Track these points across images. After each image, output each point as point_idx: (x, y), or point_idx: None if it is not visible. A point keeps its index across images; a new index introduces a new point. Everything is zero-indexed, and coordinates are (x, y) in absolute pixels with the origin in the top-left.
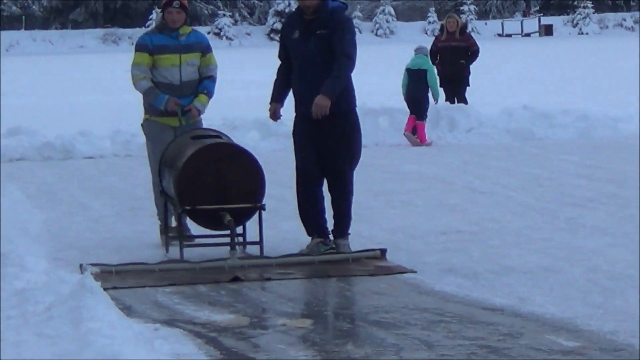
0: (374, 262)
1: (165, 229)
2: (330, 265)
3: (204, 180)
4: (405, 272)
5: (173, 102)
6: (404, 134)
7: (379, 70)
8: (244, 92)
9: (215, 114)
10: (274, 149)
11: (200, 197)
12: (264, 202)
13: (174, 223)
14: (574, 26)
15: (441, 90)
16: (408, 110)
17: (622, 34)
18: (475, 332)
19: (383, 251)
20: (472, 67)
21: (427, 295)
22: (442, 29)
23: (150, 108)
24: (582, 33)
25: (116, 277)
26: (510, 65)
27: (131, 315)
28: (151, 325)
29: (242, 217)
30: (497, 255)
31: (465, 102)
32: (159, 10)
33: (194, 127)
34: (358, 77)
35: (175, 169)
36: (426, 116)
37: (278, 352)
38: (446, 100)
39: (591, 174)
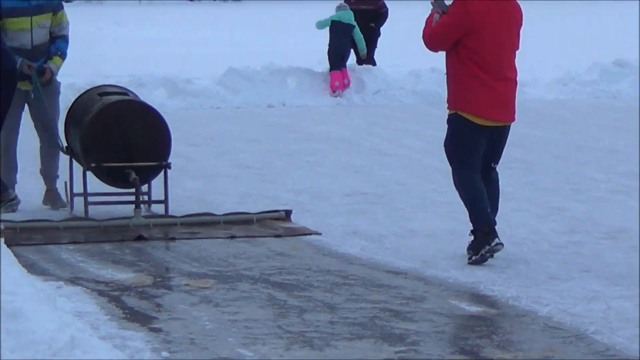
0: (279, 223)
1: (70, 185)
2: (235, 226)
3: (109, 138)
4: (310, 234)
5: (26, 65)
6: (334, 85)
7: (287, 30)
8: (152, 49)
9: (122, 71)
10: (180, 107)
11: (106, 155)
12: (169, 161)
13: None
14: None
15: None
16: (329, 68)
17: None
18: (378, 295)
19: (288, 212)
20: (381, 29)
21: (331, 257)
22: None
23: None
24: None
25: (20, 233)
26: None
27: (34, 273)
28: (54, 282)
29: (147, 175)
30: (402, 218)
31: (374, 63)
32: None
33: (51, 90)
34: (267, 37)
35: (81, 126)
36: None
37: (180, 311)
38: (356, 62)
39: None
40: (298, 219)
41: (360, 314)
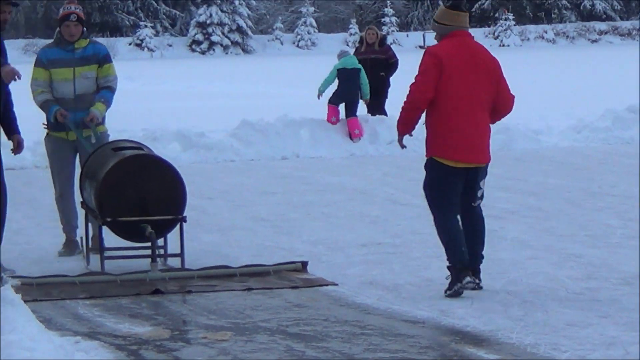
0: (295, 274)
1: (86, 241)
2: (252, 278)
3: (124, 192)
4: (327, 285)
5: (60, 113)
6: (331, 120)
7: (300, 82)
8: (165, 103)
9: (136, 125)
10: (194, 160)
11: (121, 209)
12: (184, 214)
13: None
14: (495, 38)
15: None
16: (327, 112)
17: (543, 46)
18: (396, 345)
19: (304, 263)
20: (391, 79)
21: (348, 307)
22: (361, 40)
23: (49, 123)
24: (503, 45)
25: (37, 289)
26: None
27: (51, 328)
28: (71, 337)
29: (163, 229)
30: (418, 267)
31: (385, 113)
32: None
33: (99, 140)
34: (280, 90)
35: (96, 181)
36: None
37: None
38: (367, 112)
39: (512, 186)
40: (314, 270)
41: None
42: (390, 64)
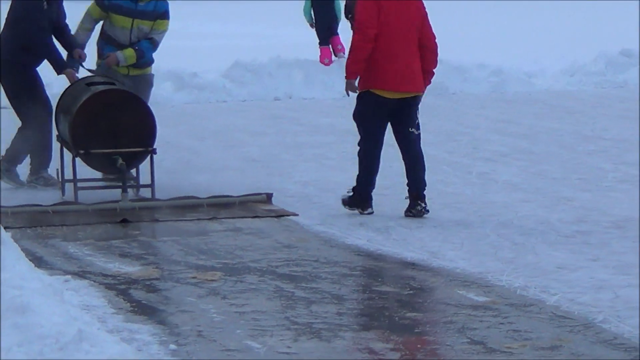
0: (260, 205)
1: (61, 172)
2: (219, 209)
3: (97, 125)
4: (288, 215)
5: (71, 74)
6: (324, 62)
7: (293, 22)
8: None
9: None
10: (187, 100)
11: (94, 141)
12: (155, 147)
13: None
14: None
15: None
16: (319, 42)
17: None
18: (385, 286)
19: (269, 195)
20: None
21: (338, 248)
22: None
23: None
24: None
25: (11, 217)
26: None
27: (41, 267)
28: (61, 276)
29: (134, 161)
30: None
31: None
32: None
33: (143, 81)
34: (273, 30)
35: (70, 114)
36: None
37: (188, 304)
38: None
39: (504, 128)
40: (304, 211)
41: (367, 304)
42: None
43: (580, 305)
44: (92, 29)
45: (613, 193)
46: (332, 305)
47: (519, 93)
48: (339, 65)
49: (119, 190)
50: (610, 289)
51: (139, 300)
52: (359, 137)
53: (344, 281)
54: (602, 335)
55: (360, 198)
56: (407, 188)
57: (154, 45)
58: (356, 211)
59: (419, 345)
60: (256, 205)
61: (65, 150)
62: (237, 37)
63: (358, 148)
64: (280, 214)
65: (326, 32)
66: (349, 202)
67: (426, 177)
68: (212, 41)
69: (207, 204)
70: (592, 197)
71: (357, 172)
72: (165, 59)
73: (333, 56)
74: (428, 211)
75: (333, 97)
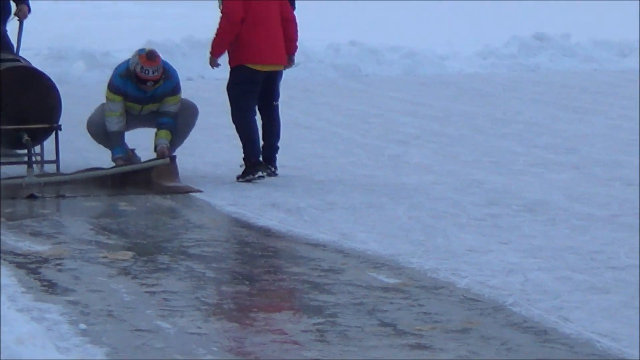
0: (165, 181)
1: None
2: (123, 182)
3: (2, 102)
4: (193, 192)
5: (121, 161)
6: None
7: (207, 2)
8: (71, 22)
9: (41, 44)
10: (99, 80)
11: None
12: (60, 123)
13: None
14: None
15: None
16: None
17: None
18: (296, 268)
19: (173, 157)
20: (296, 1)
21: (249, 229)
22: None
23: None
24: None
25: None
26: (337, 1)
27: None
28: None
29: (40, 137)
30: (321, 191)
31: None
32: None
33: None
34: (186, 10)
35: None
36: None
37: (98, 283)
38: None
39: (417, 111)
40: (216, 192)
41: (278, 285)
42: None
43: (490, 289)
44: (124, 112)
45: (524, 176)
46: (243, 286)
47: (432, 75)
48: None
49: (25, 166)
50: (520, 273)
51: (49, 280)
52: (231, 113)
53: (254, 262)
54: (512, 318)
55: (251, 165)
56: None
57: (176, 115)
58: (250, 179)
59: (329, 327)
60: (161, 178)
61: None
62: (150, 17)
63: (234, 123)
64: (186, 191)
65: None
66: (242, 175)
67: (338, 160)
68: (124, 20)
69: (112, 174)
70: (504, 180)
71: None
72: (77, 38)
73: None
74: (277, 174)
75: None
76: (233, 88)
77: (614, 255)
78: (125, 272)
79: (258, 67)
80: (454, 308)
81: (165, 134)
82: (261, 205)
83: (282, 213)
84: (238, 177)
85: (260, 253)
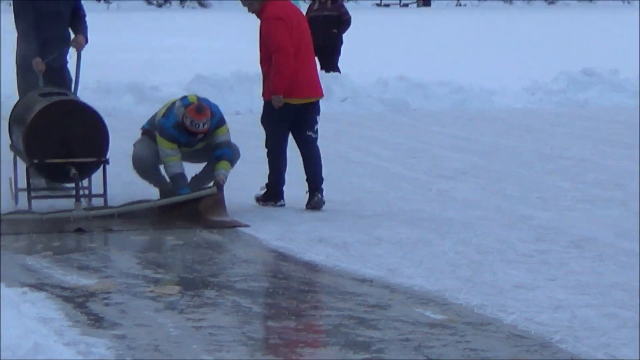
0: (213, 212)
1: (15, 182)
2: (171, 216)
3: (50, 135)
4: (240, 226)
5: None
6: None
7: (254, 36)
8: (120, 55)
9: (90, 77)
10: (148, 113)
11: (47, 151)
12: (108, 157)
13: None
14: None
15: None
16: None
17: (499, 6)
18: (343, 303)
19: (220, 187)
20: (344, 36)
21: (296, 264)
22: None
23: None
24: (460, 4)
25: None
26: (387, 35)
27: None
28: (18, 288)
29: (87, 171)
30: (368, 225)
31: (338, 70)
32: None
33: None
34: (235, 44)
35: (24, 125)
36: None
37: (145, 318)
38: (321, 69)
39: (464, 146)
40: (263, 226)
41: (325, 321)
42: (342, 21)
43: (537, 325)
44: (180, 152)
45: (572, 212)
46: (290, 321)
47: (480, 110)
48: None
49: (72, 199)
50: (567, 309)
51: (96, 314)
52: (265, 140)
53: (301, 297)
54: (558, 355)
55: (273, 192)
56: (307, 183)
57: (229, 143)
58: (269, 205)
59: None
60: (208, 212)
61: (18, 159)
62: (198, 51)
63: (266, 150)
64: (233, 225)
65: None
66: (262, 198)
67: (386, 194)
68: (173, 54)
69: (159, 206)
70: (551, 216)
71: (324, 189)
72: (126, 71)
73: None
74: (324, 202)
75: None
76: (268, 119)
77: None
78: (171, 306)
79: (292, 101)
80: (500, 344)
81: (225, 165)
82: (308, 240)
83: (328, 248)
84: (258, 198)
85: (306, 288)
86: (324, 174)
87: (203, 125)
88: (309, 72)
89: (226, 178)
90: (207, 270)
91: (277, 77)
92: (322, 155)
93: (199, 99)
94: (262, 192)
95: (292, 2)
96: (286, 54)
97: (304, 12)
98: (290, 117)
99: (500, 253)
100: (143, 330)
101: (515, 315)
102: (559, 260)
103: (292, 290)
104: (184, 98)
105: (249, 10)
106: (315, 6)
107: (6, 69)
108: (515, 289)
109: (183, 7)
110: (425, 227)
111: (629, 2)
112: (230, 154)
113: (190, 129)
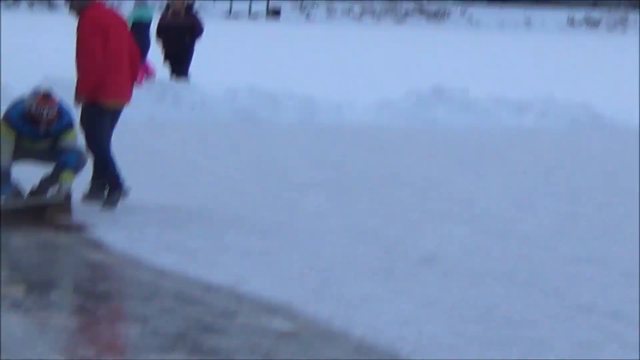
0: (59, 216)
1: None
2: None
3: None
4: (86, 229)
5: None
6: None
7: None
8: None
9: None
10: None
11: None
12: None
13: None
14: (302, 11)
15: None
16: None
17: (348, 23)
18: (190, 310)
19: (68, 197)
20: (196, 45)
21: (143, 269)
22: (167, 8)
23: None
24: (310, 19)
25: None
26: (237, 46)
27: None
28: None
29: None
30: (216, 233)
31: (188, 77)
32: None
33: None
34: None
35: None
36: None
37: None
38: (170, 78)
39: (313, 159)
40: (110, 231)
41: (171, 327)
42: (195, 32)
43: (385, 338)
44: (13, 146)
45: (419, 229)
46: (136, 326)
47: (329, 124)
48: (148, 88)
49: None
50: (415, 323)
51: None
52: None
53: (147, 302)
54: None
55: (116, 185)
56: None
57: (76, 148)
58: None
59: None
60: (54, 216)
61: None
62: (48, 53)
63: (91, 152)
64: (80, 228)
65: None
66: (95, 194)
67: (234, 203)
68: (21, 56)
69: (4, 209)
70: (399, 232)
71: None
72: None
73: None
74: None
75: (142, 118)
76: (90, 124)
77: (509, 311)
78: (16, 306)
79: (112, 106)
80: (348, 357)
81: (68, 176)
82: (156, 246)
83: (176, 254)
84: (87, 196)
85: (153, 293)
86: (173, 182)
87: (47, 113)
88: (122, 77)
89: (70, 189)
90: (54, 272)
91: (82, 79)
92: (170, 162)
93: (51, 91)
94: (91, 189)
95: (142, 6)
96: (94, 61)
97: (157, 22)
98: (109, 119)
99: (349, 266)
100: None
101: (363, 327)
102: (407, 275)
103: (139, 295)
104: (37, 88)
105: (69, 10)
106: (169, 17)
107: None
108: (363, 302)
109: (32, 9)
110: (273, 237)
111: (476, 25)
112: (75, 160)
113: (34, 115)
